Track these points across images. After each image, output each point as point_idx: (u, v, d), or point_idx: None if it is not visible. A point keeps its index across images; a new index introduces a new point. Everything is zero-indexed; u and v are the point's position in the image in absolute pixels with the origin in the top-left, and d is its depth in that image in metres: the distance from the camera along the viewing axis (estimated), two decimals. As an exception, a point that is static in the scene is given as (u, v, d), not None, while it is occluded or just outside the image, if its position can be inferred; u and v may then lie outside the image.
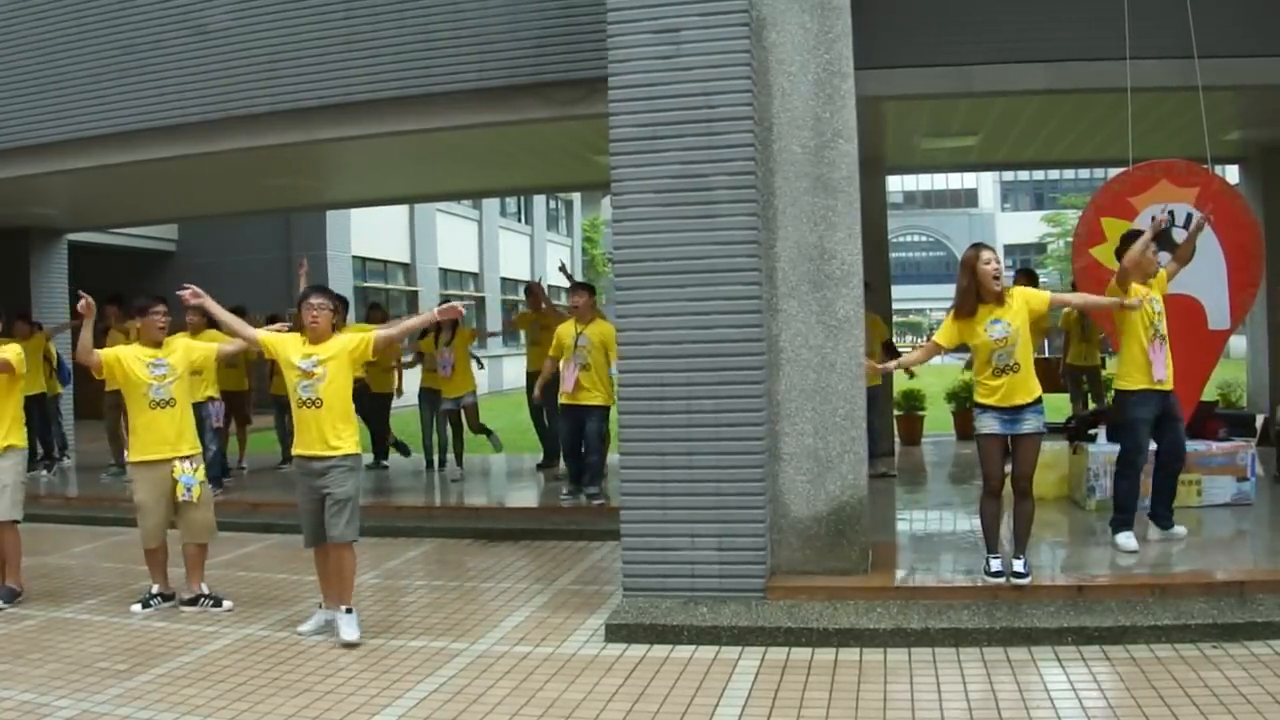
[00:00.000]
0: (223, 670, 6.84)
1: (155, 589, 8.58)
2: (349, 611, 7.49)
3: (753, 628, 7.04)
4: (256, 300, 17.58)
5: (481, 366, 14.92)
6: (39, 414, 14.65)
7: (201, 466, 8.47)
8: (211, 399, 12.48)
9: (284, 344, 7.76)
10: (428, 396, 14.56)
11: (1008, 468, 7.65)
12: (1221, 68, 9.26)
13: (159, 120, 11.89)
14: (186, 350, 8.67)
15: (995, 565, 7.48)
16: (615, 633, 7.18)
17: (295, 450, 7.73)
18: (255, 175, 14.80)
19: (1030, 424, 7.50)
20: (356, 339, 7.74)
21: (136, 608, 8.42)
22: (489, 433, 13.96)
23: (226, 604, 8.41)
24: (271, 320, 13.36)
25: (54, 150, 12.60)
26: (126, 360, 8.38)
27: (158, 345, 8.54)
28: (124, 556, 10.00)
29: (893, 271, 16.20)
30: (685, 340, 7.67)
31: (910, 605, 7.26)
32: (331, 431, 7.53)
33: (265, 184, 15.61)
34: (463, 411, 13.80)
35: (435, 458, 14.73)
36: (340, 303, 9.17)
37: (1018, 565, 7.43)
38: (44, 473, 15.14)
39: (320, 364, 7.52)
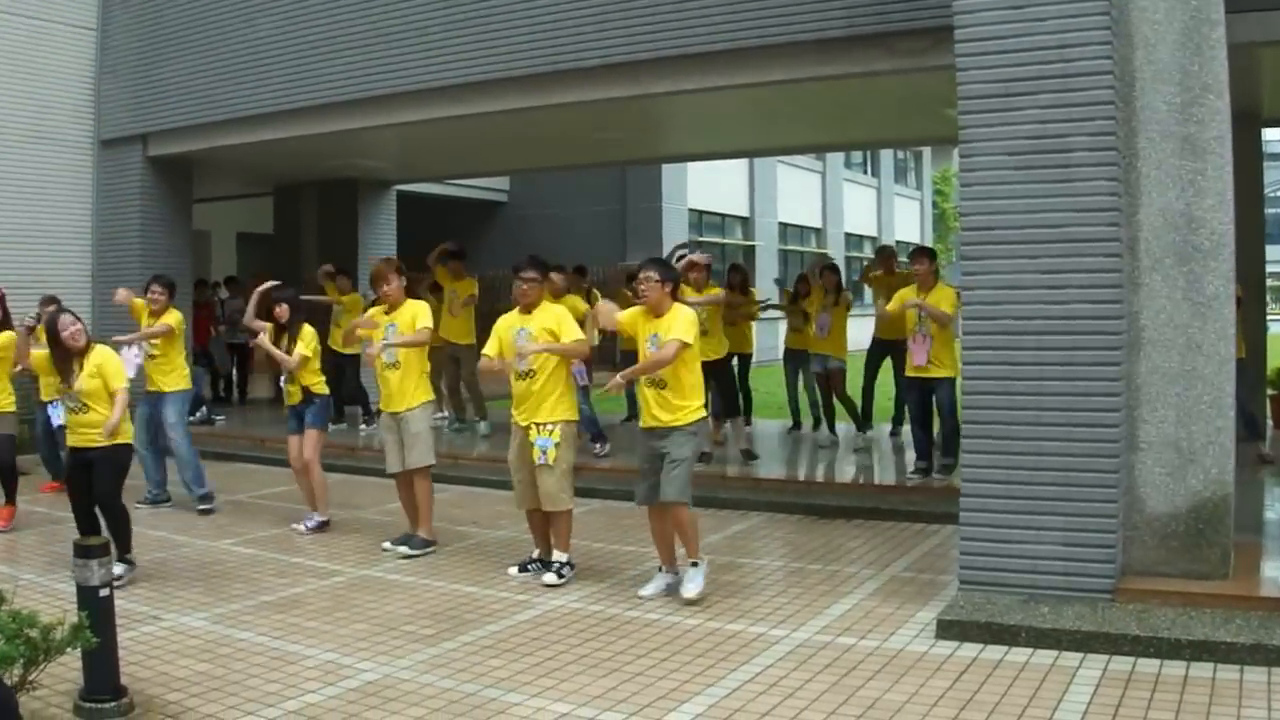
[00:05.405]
0: (531, 642, 6.74)
1: (535, 553, 8.41)
2: (694, 565, 7.60)
3: (1097, 633, 6.45)
4: (589, 254, 17.64)
5: None
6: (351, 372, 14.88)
7: (557, 429, 7.98)
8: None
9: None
10: (793, 356, 14.56)
11: None
12: None
13: (485, 74, 12.02)
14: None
15: None
16: (947, 629, 6.73)
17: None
18: (586, 129, 14.85)
19: None
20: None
21: (513, 570, 8.36)
22: (853, 406, 13.57)
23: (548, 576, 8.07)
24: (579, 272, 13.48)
25: (381, 104, 12.94)
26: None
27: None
28: (442, 516, 9.66)
29: (1268, 230, 14.97)
30: (1037, 316, 7.10)
31: (1274, 618, 6.50)
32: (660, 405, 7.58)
33: (596, 137, 15.67)
34: (829, 376, 13.53)
35: (801, 419, 14.77)
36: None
37: None
38: (363, 427, 15.10)
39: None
